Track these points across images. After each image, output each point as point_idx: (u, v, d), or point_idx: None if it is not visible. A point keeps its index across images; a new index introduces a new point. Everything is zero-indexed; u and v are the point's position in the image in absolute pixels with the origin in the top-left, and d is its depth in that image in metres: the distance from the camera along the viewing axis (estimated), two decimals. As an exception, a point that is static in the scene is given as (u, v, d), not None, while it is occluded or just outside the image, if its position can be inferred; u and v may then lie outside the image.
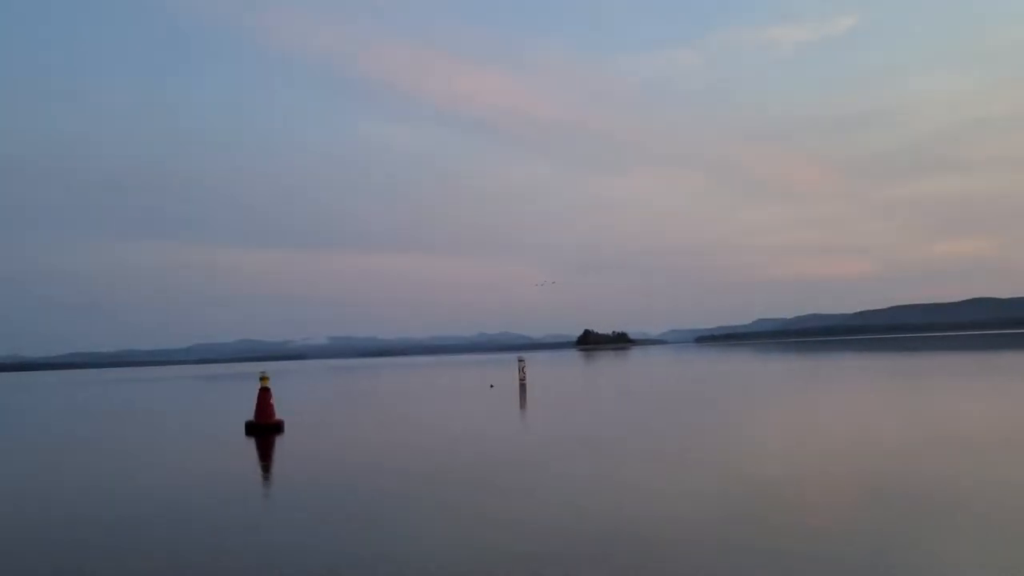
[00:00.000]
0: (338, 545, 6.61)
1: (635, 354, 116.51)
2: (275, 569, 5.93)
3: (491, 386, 31.65)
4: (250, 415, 17.18)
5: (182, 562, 6.27)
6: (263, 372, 17.48)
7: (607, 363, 70.19)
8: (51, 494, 10.10)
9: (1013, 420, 14.03)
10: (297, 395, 34.55)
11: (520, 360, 32.35)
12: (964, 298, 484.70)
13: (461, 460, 11.77)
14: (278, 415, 17.02)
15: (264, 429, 16.40)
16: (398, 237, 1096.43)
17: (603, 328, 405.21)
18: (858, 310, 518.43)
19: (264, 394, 16.85)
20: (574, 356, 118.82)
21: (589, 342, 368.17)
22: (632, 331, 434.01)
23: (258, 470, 11.94)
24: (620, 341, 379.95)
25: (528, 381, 31.14)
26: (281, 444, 14.80)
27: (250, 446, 14.70)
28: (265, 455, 13.48)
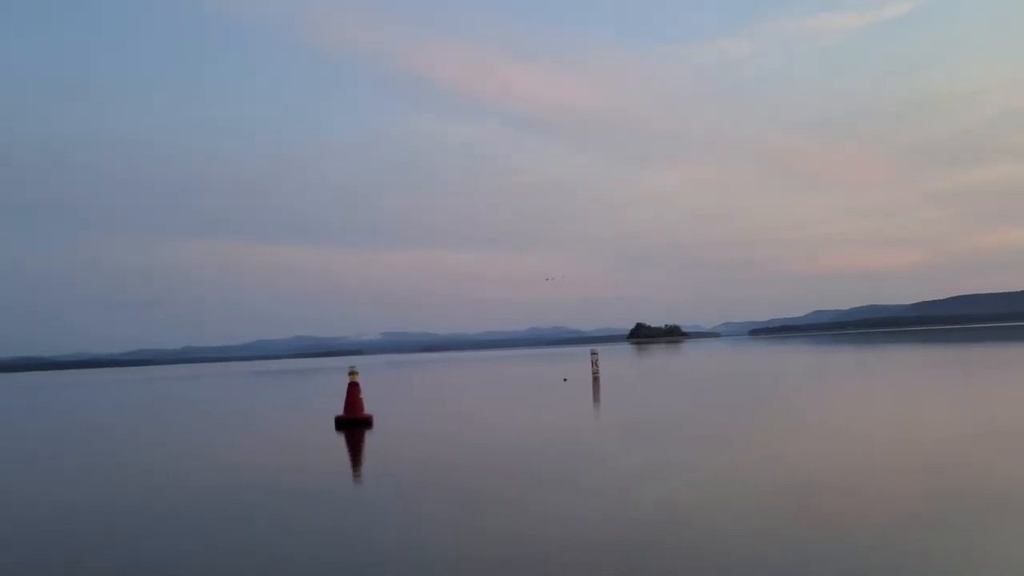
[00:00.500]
0: (441, 536, 6.64)
1: (689, 347, 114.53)
2: (384, 559, 5.97)
3: (564, 379, 31.24)
4: (336, 410, 17.06)
5: (283, 552, 6.31)
6: (352, 367, 17.26)
7: (666, 356, 69.13)
8: (174, 478, 10.30)
9: None
10: (371, 390, 34.60)
11: (593, 353, 31.83)
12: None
13: (555, 452, 11.64)
14: (366, 410, 16.88)
15: (354, 424, 16.23)
16: (450, 233, 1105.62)
17: (655, 321, 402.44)
18: (915, 301, 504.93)
19: (353, 388, 16.65)
20: (628, 350, 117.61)
21: (641, 336, 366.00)
22: (685, 324, 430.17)
23: (356, 464, 11.73)
24: (673, 334, 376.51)
25: (601, 374, 30.63)
26: (373, 438, 14.57)
27: (343, 441, 14.47)
28: (359, 449, 13.27)
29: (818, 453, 10.21)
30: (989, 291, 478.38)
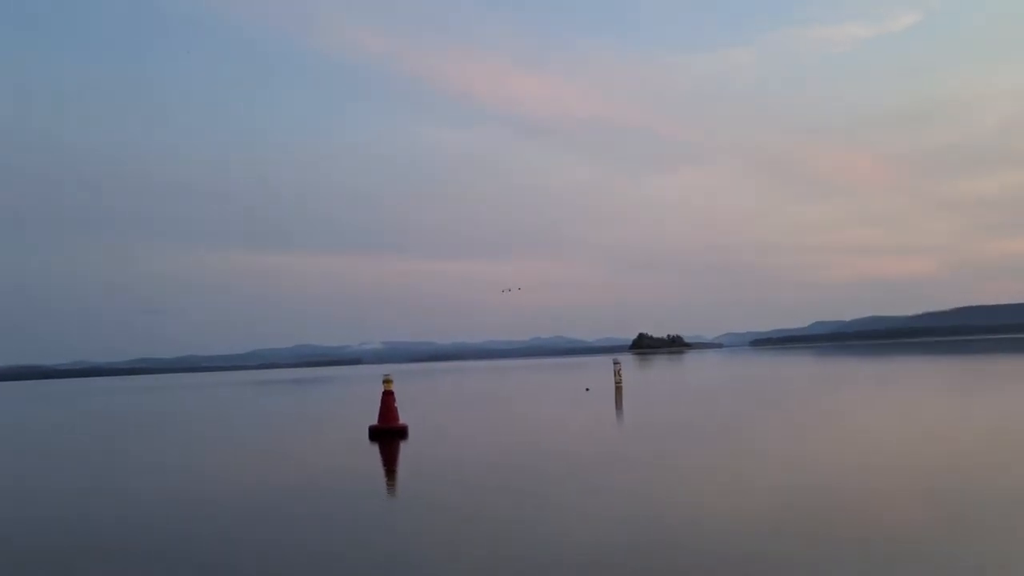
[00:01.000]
0: (480, 546, 6.59)
1: (692, 358, 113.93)
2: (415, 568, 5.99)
3: (587, 389, 30.82)
4: (367, 419, 16.58)
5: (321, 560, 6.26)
6: (387, 375, 16.72)
7: (673, 367, 68.71)
8: (206, 486, 9.99)
9: None
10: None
11: (616, 363, 31.31)
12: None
13: (586, 461, 11.57)
14: (401, 419, 16.35)
15: (389, 433, 15.71)
16: (451, 241, 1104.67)
17: (657, 332, 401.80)
18: (920, 312, 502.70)
19: (388, 398, 16.13)
20: (631, 361, 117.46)
21: (644, 346, 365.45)
22: (687, 335, 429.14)
23: (391, 474, 11.35)
24: (675, 345, 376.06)
25: (623, 384, 30.10)
26: (409, 448, 14.13)
27: (377, 451, 14.00)
28: (394, 459, 12.85)
29: (844, 460, 10.43)
30: (996, 302, 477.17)
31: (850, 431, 14.00)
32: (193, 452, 16.05)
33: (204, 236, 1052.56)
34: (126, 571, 6.36)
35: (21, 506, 10.02)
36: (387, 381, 16.35)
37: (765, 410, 19.64)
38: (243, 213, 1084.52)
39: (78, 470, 13.85)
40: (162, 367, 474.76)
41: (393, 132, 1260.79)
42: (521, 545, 6.45)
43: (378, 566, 6.10)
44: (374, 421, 16.33)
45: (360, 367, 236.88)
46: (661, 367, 68.60)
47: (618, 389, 28.72)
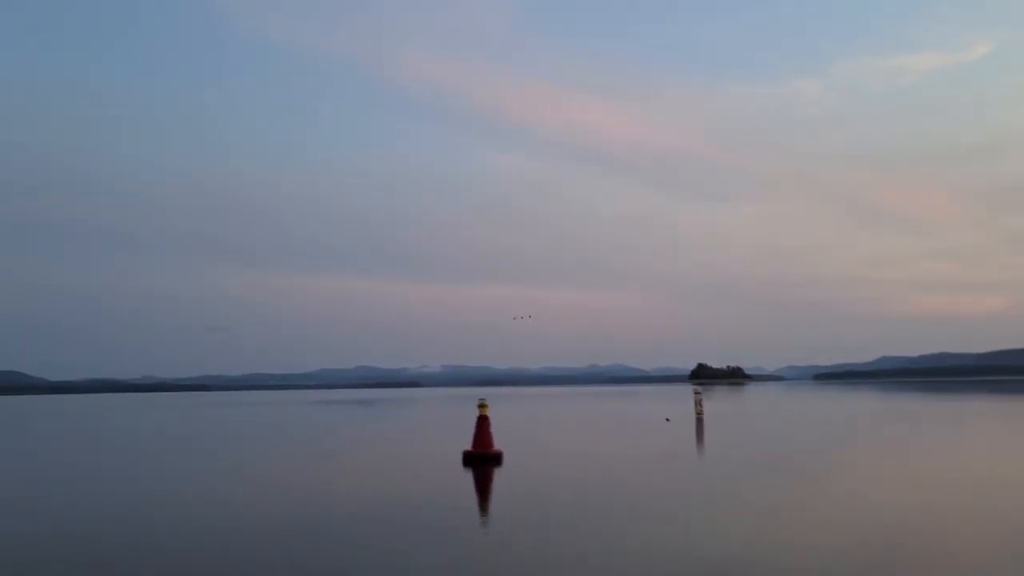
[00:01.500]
0: None
1: (754, 390, 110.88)
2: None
3: (667, 419, 30.17)
4: (454, 442, 16.34)
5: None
6: (482, 399, 16.40)
7: (740, 399, 67.06)
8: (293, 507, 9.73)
9: None
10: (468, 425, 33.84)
11: (697, 393, 30.60)
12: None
13: (683, 491, 11.47)
14: (496, 445, 16.02)
15: (484, 459, 15.40)
16: (512, 267, 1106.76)
17: (716, 362, 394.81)
18: (990, 349, 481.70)
19: (483, 422, 15.83)
20: (687, 391, 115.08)
21: (703, 376, 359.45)
22: (747, 366, 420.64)
23: (484, 501, 11.08)
24: (735, 376, 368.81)
25: (705, 416, 29.37)
26: (504, 476, 13.80)
27: (471, 477, 13.70)
28: (488, 487, 12.56)
29: (928, 497, 10.46)
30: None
31: (931, 472, 13.76)
32: (296, 467, 16.13)
33: (269, 258, 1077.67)
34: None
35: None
36: (482, 406, 15.99)
37: (848, 447, 19.25)
38: (307, 236, 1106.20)
39: (186, 482, 13.98)
40: (227, 384, 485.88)
41: (453, 157, 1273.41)
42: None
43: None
44: (465, 445, 16.12)
45: (421, 390, 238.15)
46: (728, 399, 67.04)
47: (699, 420, 28.10)
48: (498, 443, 16.55)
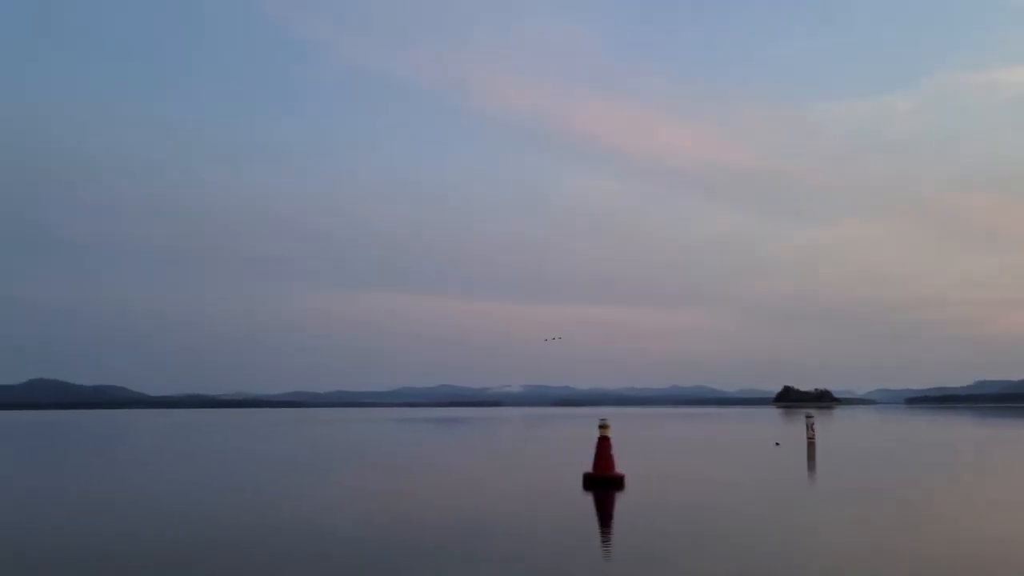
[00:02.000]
0: None
1: (843, 414, 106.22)
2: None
3: (776, 444, 29.33)
4: (570, 464, 16.15)
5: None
6: (603, 419, 16.08)
7: (834, 423, 64.53)
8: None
9: None
10: (578, 447, 33.58)
11: (808, 417, 29.56)
12: None
13: (805, 526, 10.62)
14: (617, 468, 15.70)
15: (605, 483, 15.13)
16: (595, 288, 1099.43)
17: (803, 385, 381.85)
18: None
19: (604, 444, 15.55)
20: (774, 414, 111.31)
21: (789, 399, 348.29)
22: (835, 389, 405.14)
23: (606, 528, 10.69)
24: (823, 399, 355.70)
25: (817, 440, 28.33)
26: (627, 501, 13.40)
27: (592, 501, 13.44)
28: (610, 512, 12.24)
29: None
30: None
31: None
32: (417, 482, 16.24)
33: (358, 278, 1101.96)
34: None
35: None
36: (603, 426, 15.65)
37: (967, 478, 18.20)
38: (396, 257, 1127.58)
39: (313, 497, 14.23)
40: (315, 401, 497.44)
41: (539, 180, 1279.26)
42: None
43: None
44: (578, 466, 15.92)
45: (503, 409, 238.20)
46: (822, 423, 64.67)
47: (811, 445, 27.15)
48: (624, 467, 16.16)
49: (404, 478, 18.51)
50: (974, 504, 13.35)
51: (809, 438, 27.91)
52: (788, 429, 48.00)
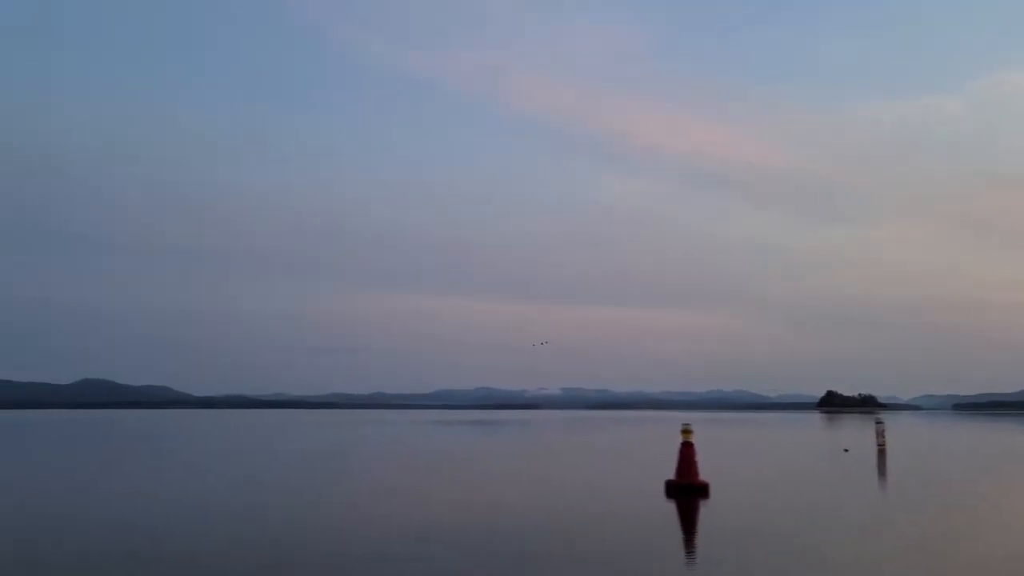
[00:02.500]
0: None
1: (891, 421, 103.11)
2: None
3: (845, 450, 28.61)
4: (643, 469, 15.72)
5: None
6: (686, 424, 15.48)
7: (890, 430, 62.96)
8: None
9: None
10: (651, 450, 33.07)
11: (879, 423, 28.75)
12: None
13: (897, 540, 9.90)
14: (701, 475, 15.14)
15: (689, 490, 14.60)
16: (630, 290, 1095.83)
17: (847, 390, 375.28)
18: None
19: (688, 449, 15.02)
20: (820, 419, 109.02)
21: (832, 405, 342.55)
22: (880, 395, 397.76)
23: (691, 540, 10.20)
24: (867, 405, 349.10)
25: (888, 447, 27.54)
26: (713, 511, 12.73)
27: (678, 509, 12.96)
28: (694, 522, 11.72)
29: None
30: None
31: None
32: (497, 488, 15.95)
33: (395, 281, 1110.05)
34: None
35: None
36: (687, 431, 15.06)
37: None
38: (434, 260, 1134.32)
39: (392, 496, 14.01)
40: (353, 402, 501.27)
41: (577, 183, 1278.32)
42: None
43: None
44: (656, 473, 15.47)
45: (541, 412, 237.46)
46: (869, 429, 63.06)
47: (881, 452, 26.44)
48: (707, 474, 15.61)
49: (483, 483, 18.15)
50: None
51: (879, 444, 27.17)
52: (851, 435, 46.95)
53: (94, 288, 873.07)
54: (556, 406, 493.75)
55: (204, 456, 28.44)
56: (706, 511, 12.87)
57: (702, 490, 14.53)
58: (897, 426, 72.89)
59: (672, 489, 14.75)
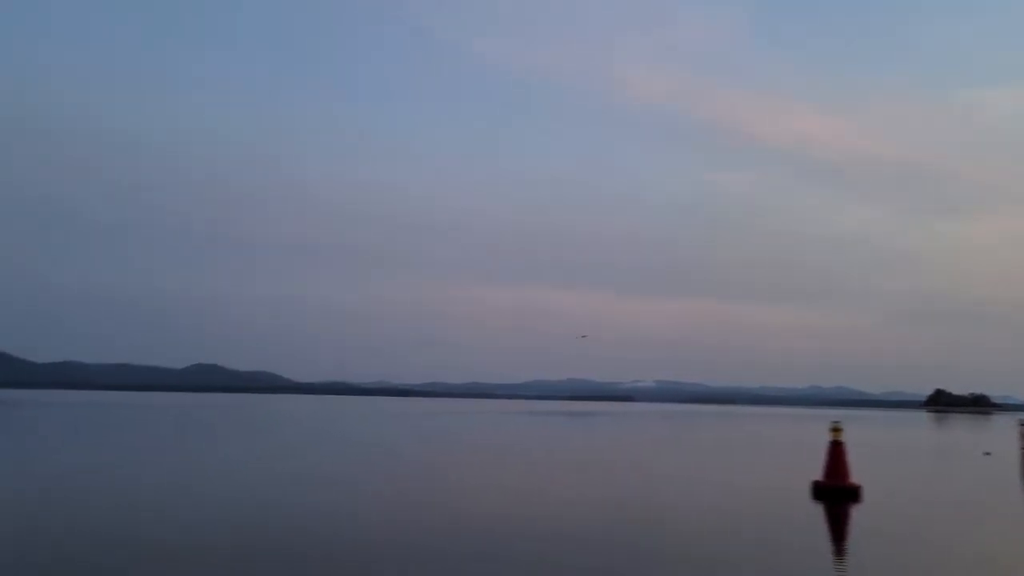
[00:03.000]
0: None
1: (1003, 421, 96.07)
2: None
3: (986, 453, 26.84)
4: (779, 468, 14.86)
5: None
6: (835, 421, 14.52)
7: (1000, 431, 58.67)
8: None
9: None
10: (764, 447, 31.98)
11: (1022, 424, 26.74)
12: None
13: None
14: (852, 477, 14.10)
15: (838, 493, 13.64)
16: (730, 283, 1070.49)
17: (957, 389, 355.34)
18: None
19: (837, 449, 14.05)
20: (929, 418, 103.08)
21: (940, 403, 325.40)
22: (993, 395, 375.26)
23: (841, 549, 9.20)
24: (979, 405, 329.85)
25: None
26: (865, 516, 11.75)
27: (822, 514, 12.01)
28: (844, 529, 10.73)
29: None
30: None
31: None
32: (631, 483, 15.44)
33: (494, 272, 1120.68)
34: None
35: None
36: (836, 429, 14.07)
37: None
38: (531, 252, 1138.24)
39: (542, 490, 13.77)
40: (450, 391, 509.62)
41: (673, 174, 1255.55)
42: None
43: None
44: (793, 472, 14.61)
45: (637, 404, 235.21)
46: (991, 431, 59.17)
47: (1025, 455, 24.52)
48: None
49: (613, 477, 17.57)
50: None
51: (1022, 448, 25.26)
52: (983, 437, 44.18)
53: (208, 279, 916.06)
54: (650, 399, 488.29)
55: (329, 443, 28.91)
56: (861, 516, 11.89)
57: (853, 493, 13.57)
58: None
59: (820, 491, 13.84)
